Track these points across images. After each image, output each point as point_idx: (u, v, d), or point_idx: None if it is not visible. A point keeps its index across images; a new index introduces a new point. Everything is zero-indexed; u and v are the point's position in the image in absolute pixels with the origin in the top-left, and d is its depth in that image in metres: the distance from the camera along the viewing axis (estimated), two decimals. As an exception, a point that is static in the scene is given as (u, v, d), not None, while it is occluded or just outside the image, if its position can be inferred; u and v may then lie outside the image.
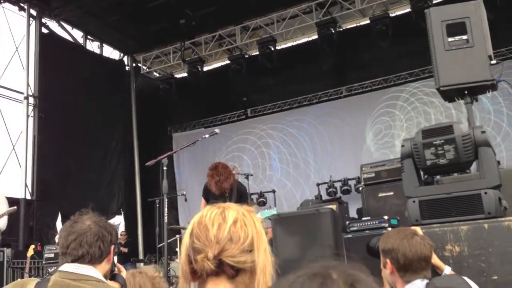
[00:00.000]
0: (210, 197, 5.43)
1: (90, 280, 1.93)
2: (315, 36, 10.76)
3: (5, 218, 6.02)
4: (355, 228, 5.30)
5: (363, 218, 5.65)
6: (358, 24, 11.22)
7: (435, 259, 2.62)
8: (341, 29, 10.93)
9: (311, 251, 4.08)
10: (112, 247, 2.11)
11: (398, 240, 2.34)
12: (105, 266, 2.06)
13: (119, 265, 2.35)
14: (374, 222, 5.23)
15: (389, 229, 4.87)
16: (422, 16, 8.32)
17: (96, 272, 1.99)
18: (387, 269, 2.38)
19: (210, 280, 1.16)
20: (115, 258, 2.35)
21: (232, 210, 1.23)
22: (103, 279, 2.01)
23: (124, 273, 2.37)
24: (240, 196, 5.43)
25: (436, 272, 2.59)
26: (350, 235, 5.20)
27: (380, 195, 6.29)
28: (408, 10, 10.06)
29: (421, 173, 3.29)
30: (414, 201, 3.09)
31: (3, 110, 9.65)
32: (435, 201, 3.03)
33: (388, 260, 2.36)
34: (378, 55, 10.27)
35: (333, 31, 10.27)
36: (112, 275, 2.23)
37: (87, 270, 1.97)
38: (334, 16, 10.56)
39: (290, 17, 11.08)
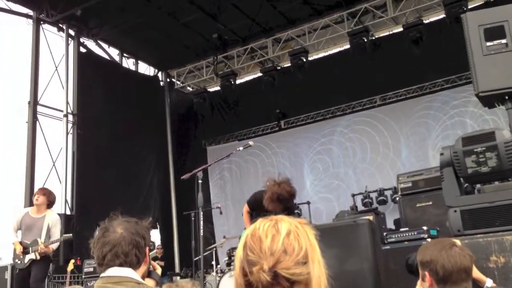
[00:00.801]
0: (256, 208, 5.19)
1: (131, 282, 1.96)
2: (347, 46, 10.69)
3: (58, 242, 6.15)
4: (393, 240, 5.18)
5: (401, 229, 5.52)
6: (391, 32, 11.09)
7: (476, 272, 2.52)
8: (373, 38, 10.82)
9: (349, 264, 4.00)
10: (147, 249, 2.14)
11: (436, 252, 2.27)
12: (142, 268, 2.10)
13: (153, 263, 2.39)
14: (412, 233, 5.10)
15: (429, 240, 4.74)
16: (457, 22, 8.18)
17: (134, 273, 2.02)
18: (426, 281, 2.30)
19: None
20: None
21: (285, 222, 1.23)
22: (142, 281, 2.04)
23: (159, 270, 2.41)
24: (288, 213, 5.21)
25: (477, 286, 2.49)
26: (388, 247, 5.09)
27: (418, 205, 6.14)
28: (443, 16, 9.88)
29: (462, 181, 3.19)
30: (455, 211, 3.00)
31: (44, 127, 9.95)
32: (478, 211, 2.93)
33: (426, 273, 2.29)
34: (412, 62, 10.09)
35: (365, 40, 10.18)
36: (147, 273, 2.26)
37: (127, 272, 2.00)
38: (366, 24, 10.47)
39: (322, 28, 11.05)
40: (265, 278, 1.13)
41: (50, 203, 6.17)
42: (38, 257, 5.93)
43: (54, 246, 6.10)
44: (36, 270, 5.95)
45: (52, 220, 6.07)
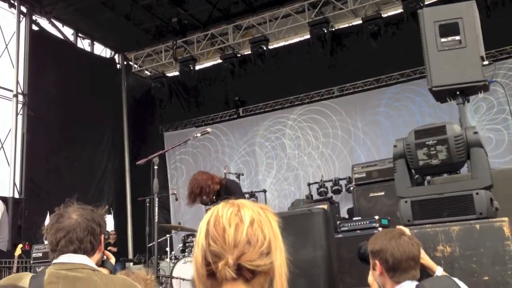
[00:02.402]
0: None
1: (85, 269, 1.94)
2: (308, 36, 10.77)
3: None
4: (346, 228, 5.30)
5: (354, 218, 5.66)
6: (350, 24, 11.24)
7: (427, 260, 2.62)
8: (333, 29, 10.94)
9: (303, 252, 4.06)
10: (102, 237, 2.12)
11: (386, 241, 2.35)
12: (97, 256, 2.10)
13: (107, 253, 2.39)
14: (365, 222, 5.24)
15: (380, 229, 4.88)
16: (414, 17, 8.38)
17: (89, 260, 2.00)
18: (377, 270, 2.37)
19: (226, 284, 1.14)
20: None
21: (248, 208, 1.20)
22: (97, 268, 2.03)
23: (112, 259, 2.39)
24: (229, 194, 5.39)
25: (428, 273, 2.59)
26: (341, 235, 5.20)
27: (371, 195, 6.30)
28: (400, 10, 10.10)
29: (413, 173, 3.29)
30: (406, 202, 3.09)
31: (-9, 107, 9.54)
32: (427, 202, 3.03)
33: (377, 261, 2.36)
34: (370, 55, 10.28)
35: (325, 31, 10.27)
36: (101, 262, 2.25)
37: (81, 259, 1.97)
38: (326, 16, 10.58)
39: (283, 17, 11.07)
40: (230, 274, 1.12)
41: None
42: None
43: None
44: None
45: None
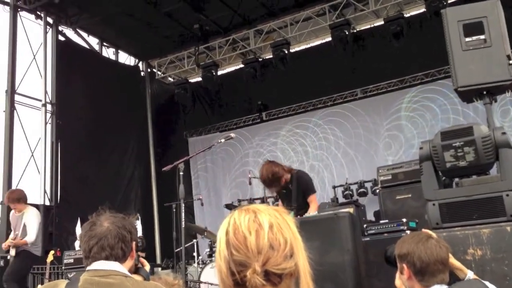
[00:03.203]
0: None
1: (118, 275, 1.99)
2: (329, 38, 10.73)
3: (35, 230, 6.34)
4: (373, 231, 5.25)
5: (381, 221, 5.61)
6: (372, 25, 11.16)
7: (457, 263, 2.58)
8: (355, 31, 10.88)
9: (330, 256, 4.05)
10: (133, 243, 2.17)
11: (413, 244, 2.34)
12: (129, 263, 2.14)
13: (142, 260, 2.43)
14: (392, 225, 5.18)
15: (408, 232, 4.83)
16: (438, 16, 8.27)
17: (121, 267, 2.06)
18: (404, 274, 2.36)
19: None
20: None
21: (264, 213, 1.21)
22: (129, 274, 2.08)
23: (147, 267, 2.44)
24: (304, 192, 5.39)
25: (457, 277, 2.56)
26: (368, 238, 5.16)
27: (398, 197, 6.23)
28: (423, 10, 9.98)
29: (440, 175, 3.26)
30: (434, 204, 3.07)
31: (22, 117, 9.77)
32: (456, 204, 3.00)
33: (404, 265, 2.35)
34: (393, 56, 10.19)
35: (347, 33, 10.22)
36: (135, 269, 2.30)
37: (114, 266, 2.03)
38: (347, 17, 10.53)
39: (304, 20, 11.06)
40: (260, 281, 1.12)
41: (21, 200, 6.41)
42: (12, 253, 6.30)
43: (27, 239, 6.25)
44: (11, 263, 6.22)
45: (26, 218, 6.47)
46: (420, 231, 2.69)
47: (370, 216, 8.04)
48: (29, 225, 6.39)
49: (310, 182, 5.57)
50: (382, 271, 4.33)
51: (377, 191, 7.19)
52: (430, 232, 2.62)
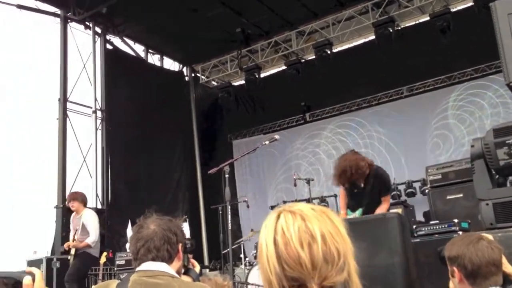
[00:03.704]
0: (347, 186, 5.20)
1: (165, 276, 2.05)
2: (372, 37, 10.58)
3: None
4: (423, 232, 5.13)
5: (431, 222, 5.47)
6: (417, 22, 10.91)
7: (509, 267, 2.49)
8: (399, 28, 10.67)
9: (379, 258, 3.99)
10: (180, 245, 2.22)
11: (464, 246, 2.26)
12: (176, 264, 2.18)
13: (192, 261, 2.47)
14: (443, 226, 5.04)
15: (460, 233, 4.69)
16: (486, 9, 7.99)
17: (169, 268, 2.11)
18: (455, 277, 2.29)
19: None
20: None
21: (314, 220, 1.13)
22: (176, 275, 2.13)
23: (197, 268, 2.48)
24: (380, 191, 5.02)
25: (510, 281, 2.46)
26: (418, 240, 5.05)
27: (448, 197, 6.06)
28: (471, 4, 9.67)
29: (494, 173, 3.15)
30: (487, 204, 2.97)
31: (73, 124, 10.16)
32: (511, 204, 2.90)
33: (455, 268, 2.28)
34: (440, 52, 9.92)
35: (391, 30, 10.04)
36: (185, 270, 2.34)
37: (161, 267, 2.09)
38: (391, 15, 10.33)
39: (346, 19, 10.95)
40: None
41: (81, 201, 6.67)
42: (72, 252, 6.53)
43: (89, 240, 6.47)
44: (72, 264, 6.45)
45: (85, 219, 6.68)
46: (471, 232, 2.61)
47: (419, 217, 7.87)
48: (89, 226, 6.63)
49: (388, 180, 5.23)
50: (434, 273, 4.23)
51: (426, 191, 7.02)
52: (485, 235, 2.53)
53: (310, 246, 1.10)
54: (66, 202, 6.84)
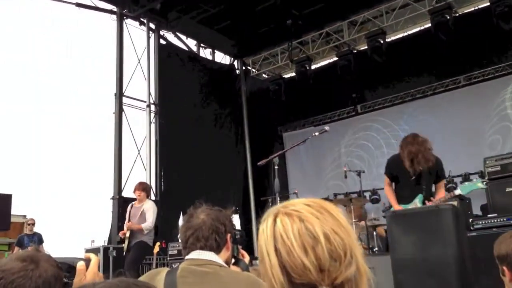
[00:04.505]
0: (399, 174, 5.11)
1: (213, 265, 2.09)
2: (428, 25, 10.20)
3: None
4: (479, 226, 4.93)
5: (489, 215, 5.23)
6: (476, 8, 10.43)
7: None
8: (457, 15, 10.23)
9: (432, 250, 3.87)
10: (228, 235, 2.25)
11: None
12: (224, 254, 2.21)
13: (242, 251, 2.50)
14: (502, 219, 4.82)
15: (520, 227, 4.47)
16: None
17: (217, 257, 2.15)
18: (506, 276, 2.18)
19: None
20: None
21: (313, 218, 1.07)
22: (224, 264, 2.16)
23: (247, 259, 2.50)
24: (438, 177, 5.02)
25: None
26: (474, 233, 4.85)
27: (508, 190, 5.76)
28: (535, -13, 9.13)
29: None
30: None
31: (129, 118, 10.49)
32: None
33: (504, 268, 2.17)
34: (500, 39, 9.44)
35: (448, 18, 9.63)
36: (235, 260, 2.37)
37: (210, 255, 2.13)
38: (449, 1, 9.91)
39: (400, 7, 10.61)
40: None
41: (146, 191, 6.93)
42: (127, 234, 6.73)
43: (144, 225, 6.65)
44: (130, 253, 6.66)
45: (146, 206, 6.92)
46: None
47: (476, 211, 7.55)
48: (148, 212, 6.85)
49: (443, 170, 5.21)
50: (491, 268, 4.04)
51: (484, 183, 6.72)
52: None
53: (314, 248, 1.03)
54: (133, 191, 7.08)
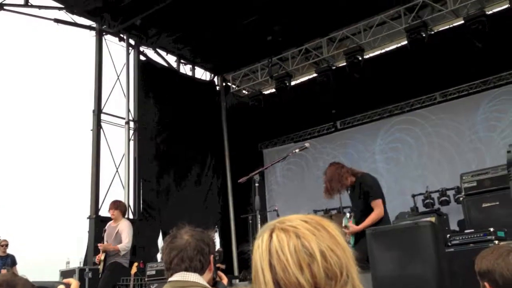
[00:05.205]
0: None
1: (197, 286, 2.08)
2: (405, 42, 10.40)
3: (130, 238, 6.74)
4: (457, 242, 4.95)
5: (466, 231, 5.28)
6: (451, 26, 10.67)
7: None
8: (432, 32, 10.45)
9: (411, 267, 3.88)
10: (211, 256, 2.24)
11: (493, 260, 2.14)
12: (207, 275, 2.21)
13: (220, 273, 2.48)
14: (478, 235, 4.85)
15: (496, 242, 4.51)
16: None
17: (201, 278, 2.13)
18: None
19: None
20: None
21: (309, 235, 1.04)
22: (208, 286, 2.16)
23: (225, 280, 2.48)
24: (364, 194, 5.20)
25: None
26: (452, 249, 4.88)
27: (484, 205, 5.83)
28: (507, 6, 9.39)
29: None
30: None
31: (107, 135, 10.34)
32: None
33: (486, 284, 2.17)
34: (475, 56, 9.65)
35: (423, 35, 9.84)
36: (214, 282, 2.34)
37: (194, 277, 2.12)
38: (424, 19, 10.13)
39: (378, 25, 10.80)
40: None
41: (121, 210, 6.79)
42: (102, 258, 6.57)
43: (121, 246, 6.52)
44: (103, 275, 6.53)
45: (121, 226, 6.77)
46: (500, 244, 2.48)
47: (453, 226, 7.63)
48: (123, 233, 6.70)
49: (374, 186, 5.28)
50: (469, 283, 4.06)
51: (461, 199, 6.79)
52: None
53: (310, 266, 1.01)
54: (108, 210, 6.95)
